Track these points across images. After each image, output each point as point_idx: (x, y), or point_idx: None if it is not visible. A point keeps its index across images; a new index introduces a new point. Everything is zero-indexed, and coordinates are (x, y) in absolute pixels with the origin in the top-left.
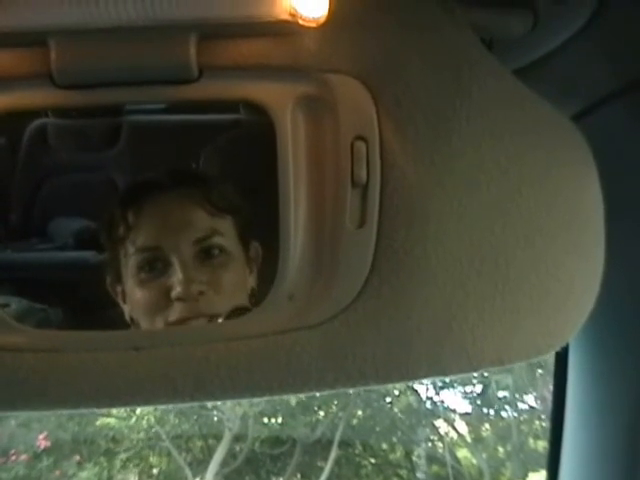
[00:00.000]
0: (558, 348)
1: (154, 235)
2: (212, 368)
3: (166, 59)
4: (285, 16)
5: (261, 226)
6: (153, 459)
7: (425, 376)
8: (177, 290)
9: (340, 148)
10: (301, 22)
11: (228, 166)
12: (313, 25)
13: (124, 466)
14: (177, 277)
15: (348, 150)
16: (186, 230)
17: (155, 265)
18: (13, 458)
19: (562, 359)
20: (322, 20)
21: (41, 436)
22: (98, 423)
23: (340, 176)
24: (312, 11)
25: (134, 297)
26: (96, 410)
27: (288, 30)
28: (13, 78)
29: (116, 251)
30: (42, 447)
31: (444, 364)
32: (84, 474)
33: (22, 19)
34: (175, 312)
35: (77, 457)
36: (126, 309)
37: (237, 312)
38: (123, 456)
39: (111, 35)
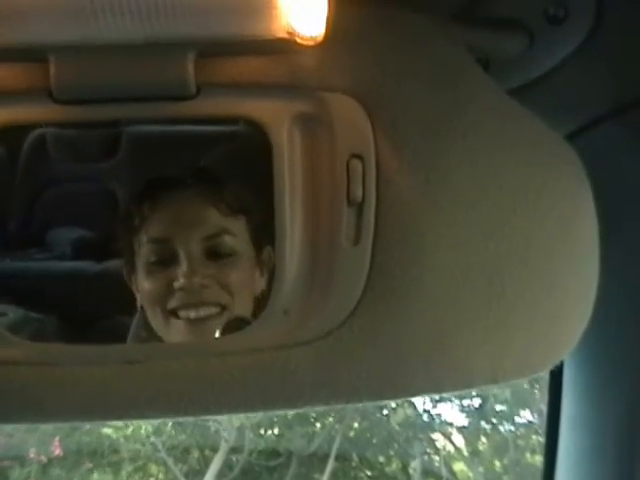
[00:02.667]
0: (552, 366)
1: (165, 228)
2: (206, 383)
3: (164, 76)
4: (283, 34)
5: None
6: (149, 470)
7: (418, 393)
8: (180, 281)
9: (336, 166)
10: (299, 40)
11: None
12: (310, 44)
13: (121, 477)
14: (181, 269)
15: (344, 168)
16: (197, 226)
17: (164, 257)
18: (32, 456)
19: (556, 376)
20: (319, 39)
21: (55, 441)
22: (96, 433)
23: (336, 194)
24: (310, 30)
25: (142, 286)
26: (90, 423)
27: (285, 48)
28: (13, 93)
29: (131, 241)
30: (56, 453)
31: (438, 381)
32: None
33: (23, 35)
34: (175, 300)
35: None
36: (138, 298)
37: (235, 323)
38: (125, 467)
39: (110, 52)
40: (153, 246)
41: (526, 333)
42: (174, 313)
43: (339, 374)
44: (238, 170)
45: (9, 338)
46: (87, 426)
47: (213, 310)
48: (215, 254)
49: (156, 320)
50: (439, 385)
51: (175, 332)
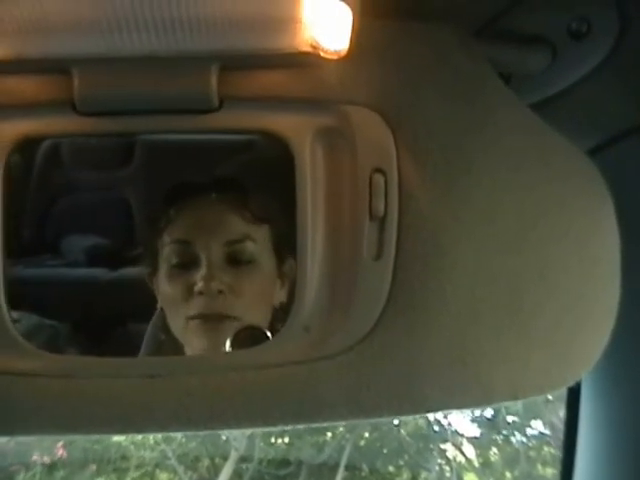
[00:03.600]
0: (572, 382)
1: (189, 230)
2: (227, 397)
3: (188, 89)
4: (306, 48)
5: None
6: (158, 477)
7: (439, 409)
8: (199, 285)
9: (358, 180)
10: (322, 54)
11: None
12: (334, 57)
13: None
14: (201, 273)
15: (366, 182)
16: (219, 231)
17: (185, 260)
18: (35, 458)
19: (574, 391)
20: (343, 53)
21: (59, 444)
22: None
23: (358, 208)
24: (333, 44)
25: (163, 289)
26: (109, 436)
27: (309, 62)
28: (36, 104)
29: (154, 242)
30: (59, 455)
31: (458, 397)
32: None
33: (47, 47)
34: (195, 307)
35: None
36: (159, 299)
37: (246, 331)
38: (131, 474)
39: (134, 64)
40: (175, 247)
41: (546, 349)
42: (193, 318)
43: (360, 389)
44: (254, 180)
45: (29, 349)
46: None
47: (226, 319)
48: (235, 260)
49: (175, 323)
50: (459, 401)
51: (192, 334)
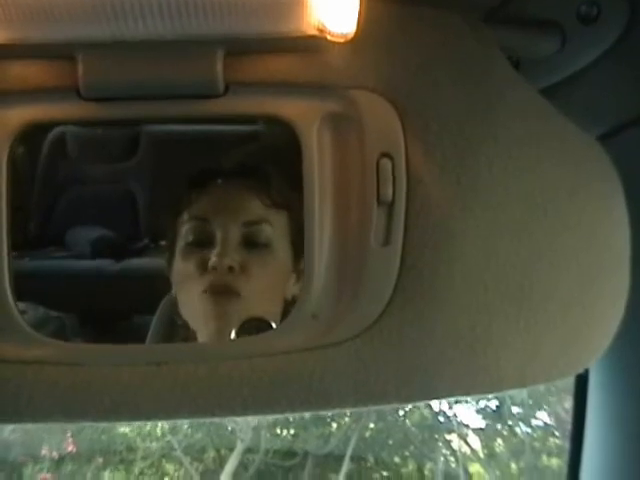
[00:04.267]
0: (581, 370)
1: (207, 209)
2: (234, 385)
3: (193, 74)
4: (313, 32)
5: None
6: (165, 468)
7: (447, 396)
8: (212, 260)
9: (366, 165)
10: (329, 38)
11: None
12: (341, 41)
13: (137, 475)
14: (216, 250)
15: (374, 167)
16: (237, 211)
17: (201, 238)
18: (44, 453)
19: (582, 379)
20: (350, 36)
21: (69, 440)
22: (113, 432)
23: (366, 194)
24: (340, 27)
25: (177, 268)
26: (117, 424)
27: (316, 46)
28: (40, 90)
29: (175, 225)
30: (69, 449)
31: (466, 384)
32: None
33: (51, 32)
34: (206, 282)
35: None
36: (174, 285)
37: (252, 322)
38: (137, 465)
39: (139, 49)
40: (193, 224)
41: (555, 337)
42: (204, 292)
43: (368, 377)
44: (264, 169)
45: (36, 338)
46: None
47: (233, 294)
48: (251, 242)
49: (186, 302)
50: (467, 388)
51: (201, 311)
